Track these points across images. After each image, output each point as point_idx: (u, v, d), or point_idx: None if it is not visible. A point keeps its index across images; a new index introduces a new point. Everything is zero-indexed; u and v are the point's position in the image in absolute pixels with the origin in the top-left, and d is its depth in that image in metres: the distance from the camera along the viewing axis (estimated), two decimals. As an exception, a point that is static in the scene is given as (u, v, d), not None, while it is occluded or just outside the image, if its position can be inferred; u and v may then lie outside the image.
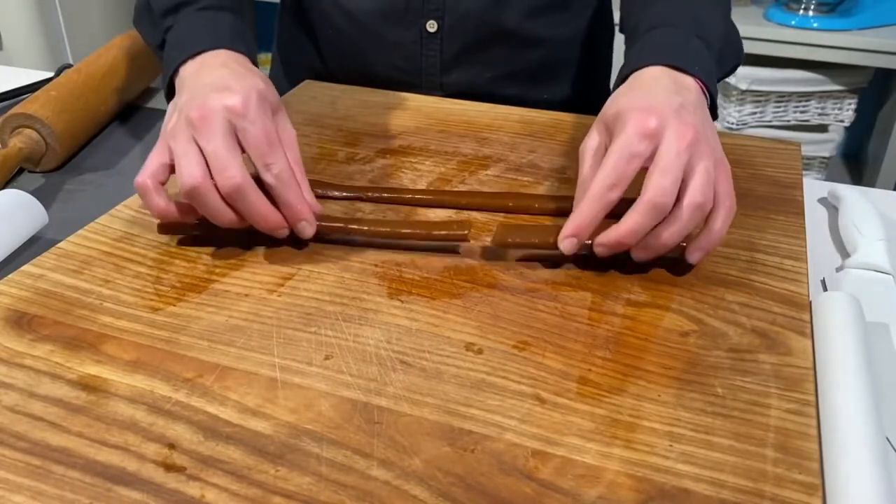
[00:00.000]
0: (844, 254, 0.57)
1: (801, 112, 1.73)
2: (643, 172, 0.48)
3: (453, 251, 0.53)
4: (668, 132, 0.47)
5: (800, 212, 0.58)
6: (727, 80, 1.66)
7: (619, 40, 0.68)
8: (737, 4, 1.72)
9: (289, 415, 0.40)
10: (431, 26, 0.77)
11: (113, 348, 0.44)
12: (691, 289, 0.50)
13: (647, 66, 0.54)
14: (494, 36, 0.78)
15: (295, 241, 0.53)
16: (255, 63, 0.59)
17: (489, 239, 0.54)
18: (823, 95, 1.70)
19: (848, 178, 1.91)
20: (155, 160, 0.51)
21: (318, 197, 0.55)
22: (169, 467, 0.37)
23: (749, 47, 1.61)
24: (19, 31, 1.68)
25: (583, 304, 0.48)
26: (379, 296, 0.49)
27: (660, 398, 0.41)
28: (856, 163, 1.98)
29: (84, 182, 0.68)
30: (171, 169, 0.51)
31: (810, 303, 0.48)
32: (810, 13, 1.62)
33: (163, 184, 0.51)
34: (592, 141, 0.52)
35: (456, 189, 0.61)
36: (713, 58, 0.57)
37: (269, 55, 0.97)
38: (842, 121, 1.73)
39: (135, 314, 0.47)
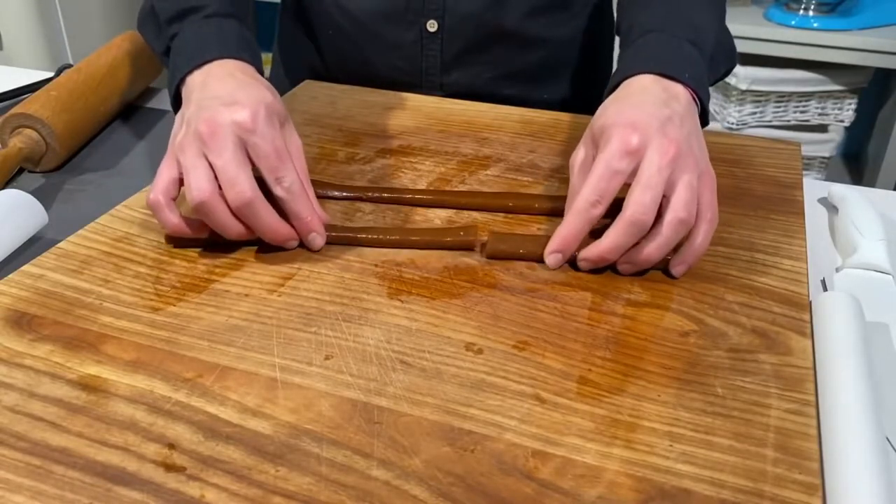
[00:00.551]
0: (844, 254, 0.57)
1: (801, 112, 1.73)
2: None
3: (453, 251, 0.53)
4: (650, 149, 0.48)
5: (800, 212, 0.58)
6: (727, 79, 1.65)
7: (619, 40, 0.68)
8: (737, 4, 1.72)
9: (289, 415, 0.40)
10: (431, 26, 0.77)
11: (113, 348, 0.44)
12: (691, 289, 0.50)
13: (637, 73, 0.54)
14: (494, 36, 0.78)
15: (299, 245, 0.53)
16: (261, 70, 0.59)
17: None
18: (823, 95, 1.70)
19: (848, 178, 1.91)
20: (165, 175, 0.51)
21: (318, 197, 0.55)
22: (169, 467, 0.37)
23: (749, 47, 1.62)
24: (19, 31, 1.68)
25: (583, 304, 0.48)
26: (379, 296, 0.49)
27: (660, 398, 0.41)
28: (856, 163, 1.98)
29: (84, 182, 0.68)
30: (181, 183, 0.51)
31: (810, 303, 0.48)
32: (810, 13, 1.62)
33: (174, 199, 0.51)
34: (580, 154, 0.53)
35: (456, 189, 0.61)
36: (705, 63, 0.57)
37: (270, 55, 0.97)
38: (842, 121, 1.73)
39: (135, 314, 0.47)
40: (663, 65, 0.54)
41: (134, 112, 0.81)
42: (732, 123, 1.72)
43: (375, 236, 0.53)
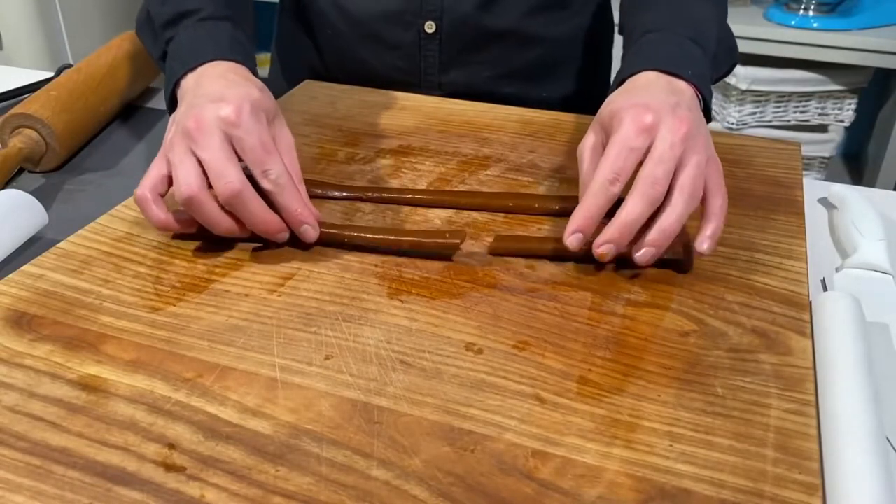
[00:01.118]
0: (844, 254, 0.57)
1: (801, 112, 1.73)
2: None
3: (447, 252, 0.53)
4: (663, 126, 0.49)
5: (800, 212, 0.58)
6: (727, 79, 1.66)
7: (619, 38, 0.68)
8: (737, 4, 1.72)
9: (289, 415, 0.40)
10: (430, 27, 0.77)
11: (113, 348, 0.44)
12: (691, 289, 0.50)
13: (642, 70, 0.55)
14: (493, 36, 0.78)
15: (295, 243, 0.53)
16: (255, 72, 0.59)
17: (489, 239, 0.54)
18: (823, 95, 1.70)
19: (848, 178, 1.91)
20: (154, 172, 0.51)
21: (317, 197, 0.55)
22: (169, 467, 0.37)
23: (749, 47, 1.62)
24: (19, 31, 1.68)
25: (583, 304, 0.48)
26: (379, 296, 0.49)
27: (660, 398, 0.41)
28: (856, 163, 1.98)
29: (84, 182, 0.67)
30: (170, 180, 0.51)
31: (810, 303, 0.48)
32: (810, 13, 1.62)
33: (162, 195, 0.51)
34: (590, 140, 0.53)
35: (456, 189, 0.61)
36: (707, 61, 0.58)
37: (268, 55, 0.97)
38: (842, 121, 1.73)
39: (135, 314, 0.47)
40: (666, 62, 0.55)
41: (134, 112, 0.81)
42: (732, 123, 1.72)
43: (359, 233, 0.53)
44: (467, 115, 0.74)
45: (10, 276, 0.50)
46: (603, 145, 0.51)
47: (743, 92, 1.68)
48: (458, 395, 0.41)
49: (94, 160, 0.71)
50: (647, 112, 0.49)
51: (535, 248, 0.53)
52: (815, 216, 0.62)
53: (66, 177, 0.68)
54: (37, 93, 0.71)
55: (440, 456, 0.37)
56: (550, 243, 0.52)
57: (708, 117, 0.56)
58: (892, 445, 0.41)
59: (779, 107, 1.72)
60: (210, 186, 0.49)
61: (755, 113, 1.73)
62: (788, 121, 1.74)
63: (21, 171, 0.69)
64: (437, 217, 0.57)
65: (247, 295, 0.49)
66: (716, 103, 1.76)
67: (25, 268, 0.51)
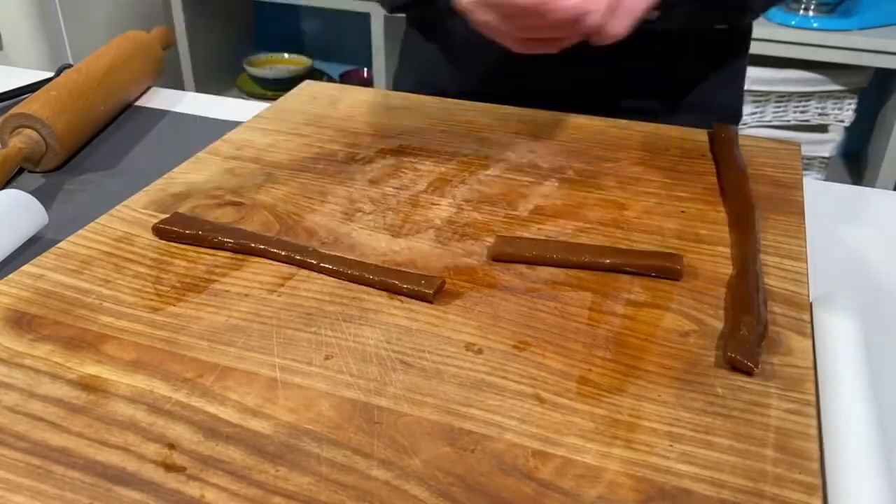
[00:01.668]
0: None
1: (801, 112, 1.73)
2: None
3: (452, 251, 0.53)
4: None
5: (800, 212, 0.58)
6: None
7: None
8: (737, 4, 1.72)
9: (289, 415, 0.40)
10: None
11: (113, 348, 0.44)
12: (691, 289, 0.50)
13: None
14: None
15: (294, 250, 0.53)
16: None
17: (490, 239, 0.54)
18: (823, 95, 1.70)
19: (848, 178, 1.91)
20: None
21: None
22: (169, 467, 0.37)
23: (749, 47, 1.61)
24: (19, 31, 1.68)
25: (583, 304, 0.48)
26: (379, 296, 0.49)
27: (660, 398, 0.41)
28: (856, 163, 1.98)
29: (84, 182, 0.68)
30: None
31: (810, 303, 0.48)
32: (810, 13, 1.62)
33: None
34: None
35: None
36: None
37: (270, 55, 0.97)
38: (842, 121, 1.73)
39: (135, 314, 0.47)
40: None
41: (134, 112, 0.81)
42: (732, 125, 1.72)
43: (333, 266, 0.50)
44: (467, 115, 0.74)
45: (10, 276, 0.50)
46: None
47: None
48: (458, 395, 0.41)
49: (94, 160, 0.71)
50: None
51: (534, 256, 0.52)
52: (815, 216, 0.62)
53: (66, 177, 0.68)
54: (37, 93, 0.71)
55: (440, 456, 0.37)
56: (549, 251, 0.52)
57: None
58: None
59: (779, 107, 1.72)
60: None
61: (755, 113, 1.73)
62: (788, 121, 1.74)
63: (21, 171, 0.69)
64: (437, 217, 0.57)
65: (247, 295, 0.49)
66: (716, 103, 1.75)
67: (25, 268, 0.51)
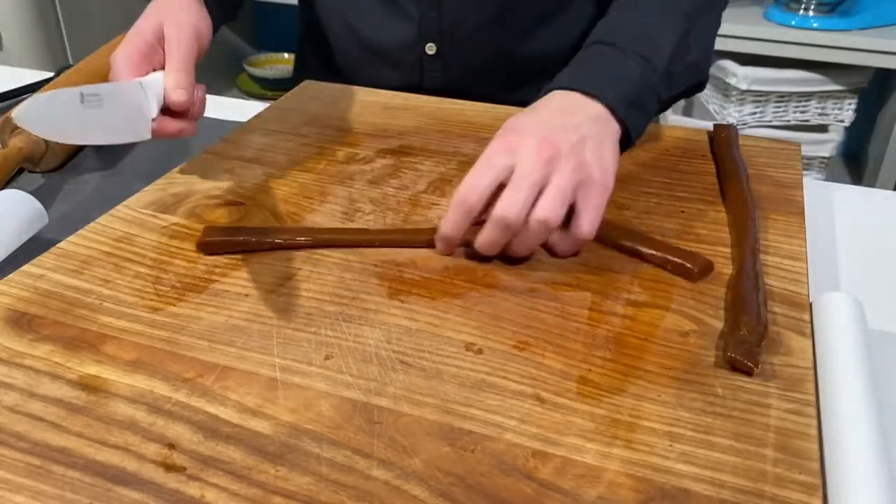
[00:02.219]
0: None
1: (801, 112, 1.73)
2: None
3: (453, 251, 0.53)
4: (524, 149, 0.49)
5: (800, 212, 0.58)
6: (727, 79, 1.65)
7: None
8: (737, 4, 1.72)
9: (289, 415, 0.40)
10: (430, 49, 0.79)
11: (113, 348, 0.44)
12: (691, 289, 0.50)
13: (559, 88, 0.56)
14: (495, 55, 0.80)
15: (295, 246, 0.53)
16: None
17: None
18: (823, 95, 1.70)
19: (848, 178, 1.91)
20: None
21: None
22: (169, 467, 0.37)
23: (749, 47, 1.61)
24: (19, 31, 1.68)
25: (583, 304, 0.48)
26: (379, 296, 0.49)
27: (660, 398, 0.41)
28: (856, 163, 1.98)
29: (84, 182, 0.67)
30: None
31: (810, 303, 0.48)
32: (810, 13, 1.62)
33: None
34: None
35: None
36: (651, 78, 0.57)
37: (270, 55, 0.98)
38: (842, 121, 1.73)
39: (135, 314, 0.47)
40: (587, 82, 0.55)
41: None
42: (732, 123, 1.72)
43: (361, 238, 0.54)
44: (467, 115, 0.74)
45: (10, 276, 0.50)
46: None
47: (743, 92, 1.67)
48: (458, 395, 0.41)
49: (94, 160, 0.71)
50: (515, 134, 0.51)
51: (409, 240, 0.54)
52: (815, 216, 0.62)
53: (66, 177, 0.68)
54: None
55: (440, 456, 0.37)
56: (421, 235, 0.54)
57: (627, 143, 0.56)
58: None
59: (779, 107, 1.72)
60: None
61: (755, 113, 1.72)
62: (788, 121, 1.74)
63: (21, 171, 0.69)
64: (437, 217, 0.57)
65: (247, 295, 0.49)
66: (716, 103, 1.76)
67: (25, 268, 0.51)
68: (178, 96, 0.56)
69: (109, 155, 0.72)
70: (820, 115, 1.73)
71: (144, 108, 0.55)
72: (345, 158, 0.66)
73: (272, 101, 0.78)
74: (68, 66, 0.80)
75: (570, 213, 0.50)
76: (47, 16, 1.69)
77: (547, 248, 0.52)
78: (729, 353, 0.43)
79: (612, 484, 0.36)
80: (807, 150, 1.73)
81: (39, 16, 1.67)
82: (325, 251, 0.53)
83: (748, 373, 0.42)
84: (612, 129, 0.54)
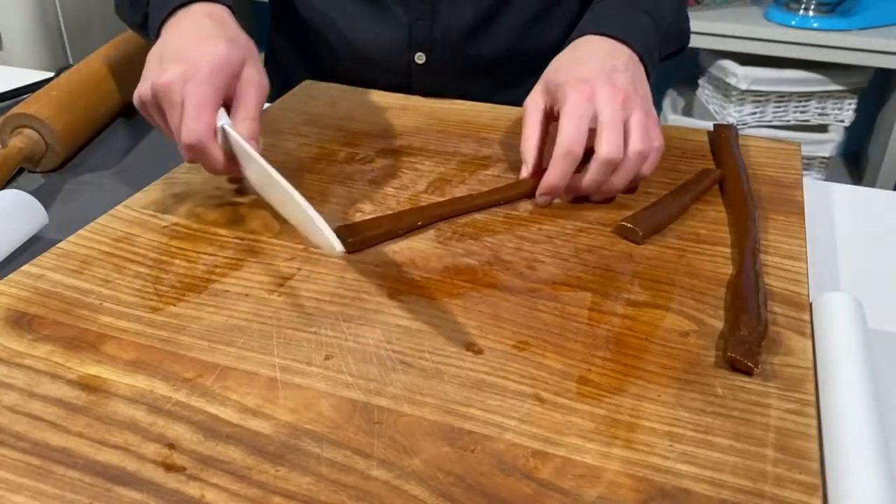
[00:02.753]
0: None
1: (801, 112, 1.73)
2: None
3: (452, 251, 0.53)
4: (601, 94, 0.56)
5: (800, 212, 0.58)
6: (727, 80, 1.65)
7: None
8: (737, 4, 1.72)
9: (289, 415, 0.40)
10: (420, 58, 0.79)
11: (113, 348, 0.44)
12: (691, 289, 0.50)
13: (590, 34, 0.62)
14: (484, 62, 0.80)
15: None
16: (234, 10, 0.61)
17: (490, 239, 0.54)
18: (823, 95, 1.70)
19: (848, 178, 1.91)
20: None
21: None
22: (169, 467, 0.37)
23: (749, 47, 1.62)
24: (19, 31, 1.68)
25: (583, 304, 0.48)
26: (379, 296, 0.49)
27: (660, 398, 0.41)
28: (856, 163, 1.98)
29: (84, 182, 0.67)
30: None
31: (810, 303, 0.48)
32: (810, 13, 1.62)
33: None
34: (537, 102, 0.61)
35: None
36: (658, 35, 0.64)
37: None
38: (842, 121, 1.73)
39: (135, 314, 0.47)
40: (615, 30, 0.62)
41: (134, 112, 0.81)
42: (732, 124, 1.72)
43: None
44: (467, 115, 0.74)
45: (10, 276, 0.50)
46: (547, 108, 0.60)
47: (743, 92, 1.68)
48: (458, 395, 0.41)
49: (94, 160, 0.71)
50: (586, 85, 0.56)
51: (387, 231, 0.54)
52: (815, 216, 0.62)
53: (66, 177, 0.68)
54: (37, 93, 0.71)
55: (440, 456, 0.37)
56: (398, 221, 0.55)
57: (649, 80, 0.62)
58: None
59: (779, 107, 1.72)
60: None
61: (755, 113, 1.72)
62: (788, 121, 1.74)
63: (21, 171, 0.69)
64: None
65: (247, 295, 0.49)
66: (716, 103, 1.76)
67: (25, 268, 0.51)
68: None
69: (109, 155, 0.72)
70: (820, 115, 1.73)
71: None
72: (345, 158, 0.66)
73: (272, 102, 0.78)
74: (68, 66, 0.80)
75: None
76: (47, 16, 1.69)
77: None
78: (729, 353, 0.43)
79: (612, 484, 0.36)
80: (807, 150, 1.73)
81: (39, 16, 1.67)
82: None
83: (748, 373, 0.42)
84: (643, 70, 0.62)
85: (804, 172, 0.66)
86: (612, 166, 0.55)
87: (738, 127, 1.72)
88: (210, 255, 0.53)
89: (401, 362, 0.43)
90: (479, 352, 0.44)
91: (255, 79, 0.56)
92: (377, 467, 0.37)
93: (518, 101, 0.80)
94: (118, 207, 0.58)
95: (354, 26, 0.80)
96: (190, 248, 0.53)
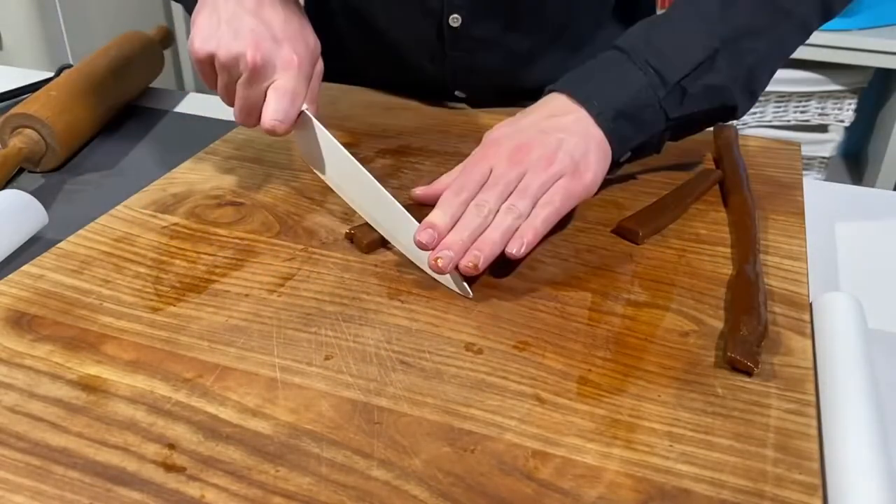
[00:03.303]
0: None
1: (801, 112, 1.73)
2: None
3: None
4: (498, 159, 0.52)
5: (800, 212, 0.58)
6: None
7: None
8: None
9: (289, 415, 0.40)
10: (454, 20, 0.71)
11: (113, 348, 0.44)
12: (691, 289, 0.50)
13: (556, 89, 0.57)
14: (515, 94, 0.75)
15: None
16: None
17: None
18: (823, 95, 1.70)
19: (848, 178, 1.91)
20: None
21: None
22: (169, 467, 0.37)
23: (749, 47, 1.61)
24: (19, 31, 1.68)
25: (583, 304, 0.48)
26: (379, 296, 0.49)
27: (660, 398, 0.41)
28: (856, 163, 1.98)
29: (84, 182, 0.67)
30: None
31: (810, 303, 0.48)
32: (810, 13, 1.62)
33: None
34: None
35: None
36: (663, 93, 0.55)
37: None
38: (842, 121, 1.73)
39: (135, 314, 0.47)
40: (578, 87, 0.56)
41: (134, 112, 0.81)
42: (733, 124, 1.72)
43: None
44: (467, 115, 0.74)
45: (10, 276, 0.50)
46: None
47: (743, 92, 1.68)
48: (458, 395, 0.41)
49: (94, 160, 0.71)
50: (490, 146, 0.54)
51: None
52: (815, 216, 0.62)
53: (66, 177, 0.68)
54: (37, 93, 0.71)
55: (440, 456, 0.37)
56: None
57: (615, 151, 0.55)
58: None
59: (779, 107, 1.72)
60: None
61: (755, 113, 1.72)
62: (788, 121, 1.74)
63: (21, 171, 0.69)
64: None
65: (247, 295, 0.49)
66: (716, 103, 1.75)
67: (25, 268, 0.51)
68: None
69: (109, 155, 0.72)
70: (820, 115, 1.73)
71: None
72: (345, 158, 0.66)
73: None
74: (68, 66, 0.80)
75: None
76: (48, 16, 1.69)
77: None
78: (729, 353, 0.43)
79: (612, 484, 0.36)
80: (807, 150, 1.73)
81: (40, 16, 1.67)
82: (325, 251, 0.53)
83: (748, 373, 0.42)
84: (596, 138, 0.54)
85: (804, 172, 0.66)
86: (475, 227, 0.49)
87: (738, 127, 1.72)
88: (210, 255, 0.53)
89: (401, 362, 0.43)
90: (479, 352, 0.44)
91: (320, 68, 0.59)
92: (377, 467, 0.37)
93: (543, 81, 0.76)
94: (118, 207, 0.58)
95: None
96: (190, 248, 0.53)
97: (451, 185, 0.52)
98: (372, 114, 0.74)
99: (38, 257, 0.52)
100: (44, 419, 0.39)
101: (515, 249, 0.48)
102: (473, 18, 0.70)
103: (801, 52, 1.72)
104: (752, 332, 0.44)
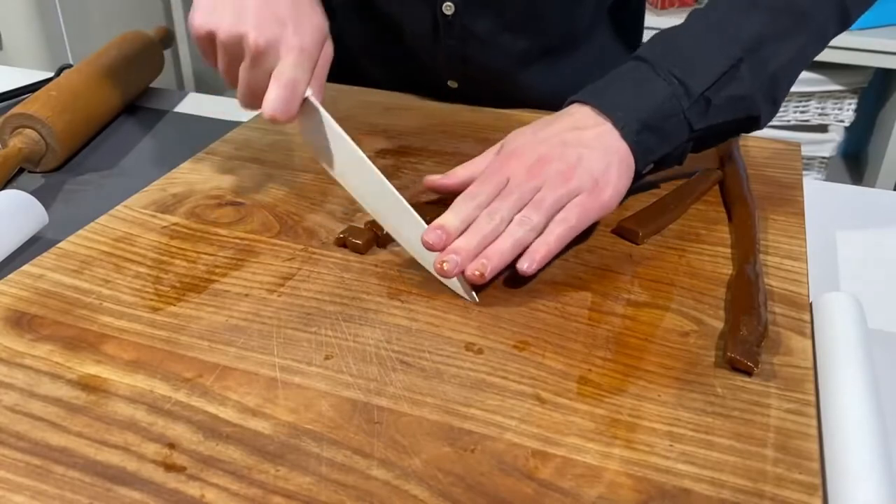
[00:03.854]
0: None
1: (801, 112, 1.73)
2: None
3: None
4: (516, 170, 0.52)
5: (800, 212, 0.58)
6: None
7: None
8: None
9: (289, 415, 0.40)
10: (448, 8, 0.72)
11: (113, 348, 0.44)
12: (691, 289, 0.50)
13: (578, 101, 0.56)
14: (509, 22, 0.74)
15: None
16: None
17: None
18: (823, 95, 1.70)
19: (848, 178, 1.91)
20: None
21: None
22: (169, 467, 0.37)
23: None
24: (19, 31, 1.68)
25: (583, 304, 0.48)
26: (379, 296, 0.49)
27: (660, 398, 0.41)
28: (856, 163, 1.98)
29: (84, 182, 0.67)
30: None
31: (810, 303, 0.48)
32: (810, 13, 1.62)
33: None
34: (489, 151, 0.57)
35: None
36: (687, 104, 0.54)
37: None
38: (842, 121, 1.73)
39: (135, 314, 0.47)
40: (602, 98, 0.55)
41: (134, 112, 0.81)
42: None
43: None
44: (468, 115, 0.74)
45: (10, 276, 0.50)
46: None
47: (743, 92, 1.68)
48: (458, 395, 0.41)
49: (94, 160, 0.71)
50: (509, 156, 0.53)
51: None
52: (815, 216, 0.62)
53: (66, 177, 0.68)
54: (37, 93, 0.71)
55: (440, 456, 0.37)
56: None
57: (639, 163, 0.53)
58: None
59: (779, 107, 1.72)
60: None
61: (755, 113, 1.72)
62: (788, 121, 1.74)
63: (21, 171, 0.69)
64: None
65: (247, 295, 0.49)
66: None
67: (25, 268, 0.51)
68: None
69: (109, 155, 0.72)
70: (820, 115, 1.73)
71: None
72: (345, 158, 0.66)
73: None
74: (68, 66, 0.80)
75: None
76: (48, 16, 1.69)
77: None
78: (729, 353, 0.43)
79: (613, 484, 0.36)
80: (807, 150, 1.73)
81: (40, 16, 1.67)
82: (325, 251, 0.53)
83: (748, 373, 0.42)
84: (620, 152, 0.53)
85: (804, 172, 0.66)
86: (483, 236, 0.49)
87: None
88: (210, 255, 0.53)
89: (401, 362, 0.43)
90: (479, 352, 0.44)
91: (329, 51, 0.56)
92: (377, 467, 0.37)
93: (541, 82, 0.75)
94: (118, 207, 0.58)
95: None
96: (190, 248, 0.53)
97: (466, 190, 0.51)
98: (372, 114, 0.74)
99: (38, 257, 0.52)
100: (44, 419, 0.39)
101: (527, 265, 0.48)
102: (466, 7, 0.71)
103: (801, 52, 1.69)
104: (752, 332, 0.44)
